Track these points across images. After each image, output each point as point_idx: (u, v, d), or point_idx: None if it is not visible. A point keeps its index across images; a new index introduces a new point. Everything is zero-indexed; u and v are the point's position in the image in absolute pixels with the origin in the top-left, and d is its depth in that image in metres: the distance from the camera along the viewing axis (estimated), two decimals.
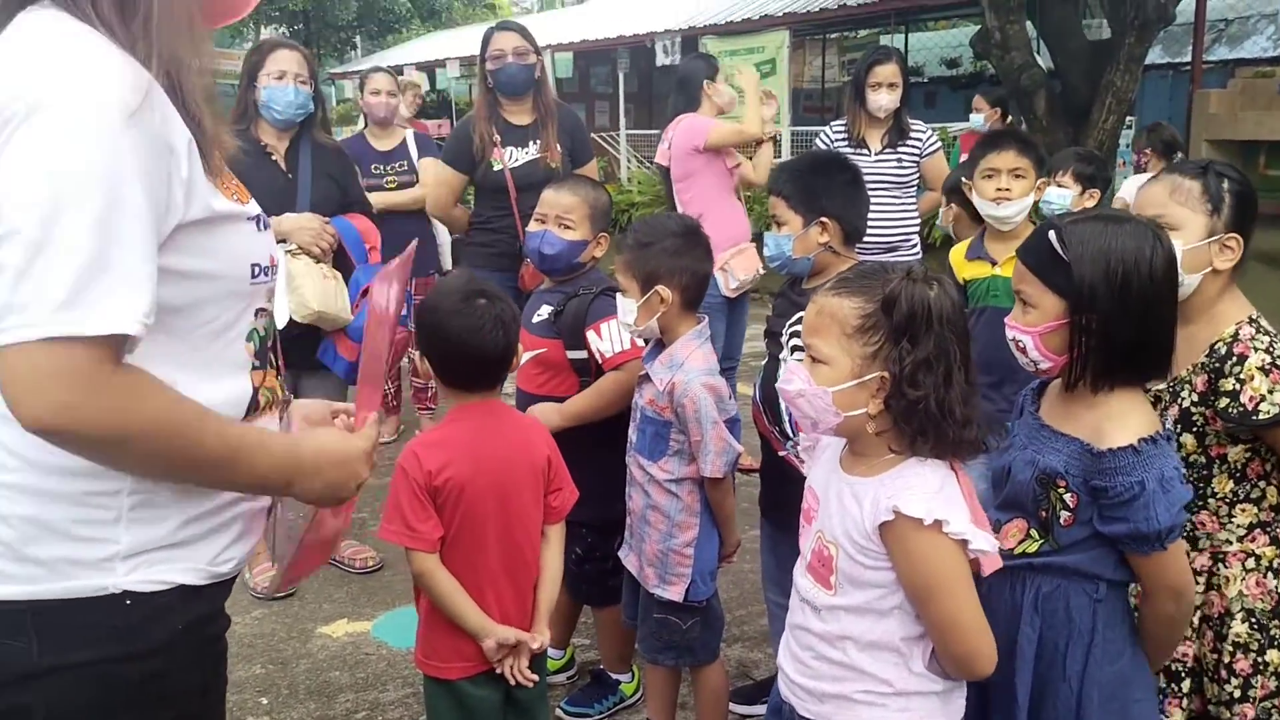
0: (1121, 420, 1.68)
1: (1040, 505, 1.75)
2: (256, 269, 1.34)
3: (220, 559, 1.34)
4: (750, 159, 4.92)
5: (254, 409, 1.36)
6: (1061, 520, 1.72)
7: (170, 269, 1.19)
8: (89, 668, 1.22)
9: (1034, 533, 1.77)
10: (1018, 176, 3.07)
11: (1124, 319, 1.67)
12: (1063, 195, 3.54)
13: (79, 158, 1.09)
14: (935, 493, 1.59)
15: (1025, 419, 1.87)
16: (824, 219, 2.50)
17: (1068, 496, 1.71)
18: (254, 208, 1.36)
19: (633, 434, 2.59)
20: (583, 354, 2.78)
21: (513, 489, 2.20)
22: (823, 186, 2.56)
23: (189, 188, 1.21)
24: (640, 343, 2.65)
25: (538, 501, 2.25)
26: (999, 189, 3.07)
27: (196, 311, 1.26)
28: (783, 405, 2.33)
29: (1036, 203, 3.17)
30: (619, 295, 2.55)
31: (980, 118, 7.49)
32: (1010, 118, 7.81)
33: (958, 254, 3.25)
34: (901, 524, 1.58)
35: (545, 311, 2.86)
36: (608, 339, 2.73)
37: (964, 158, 6.35)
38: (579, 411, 2.75)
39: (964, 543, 1.58)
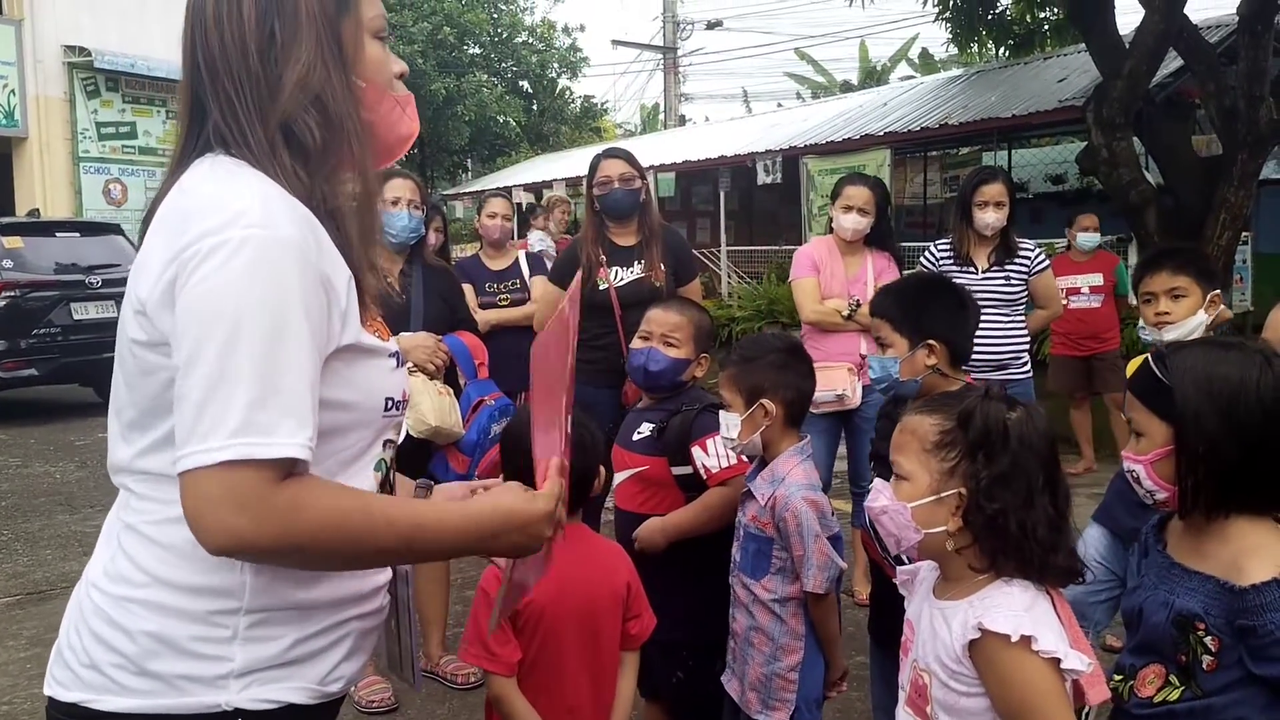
0: (1261, 553, 1.59)
1: (1179, 650, 1.64)
2: (390, 403, 1.39)
3: (330, 678, 1.34)
4: None
5: None
6: (1204, 665, 1.61)
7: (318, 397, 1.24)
8: None
9: (1173, 679, 1.66)
10: (1176, 296, 2.95)
11: (1231, 444, 1.61)
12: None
13: (253, 294, 1.16)
14: (1023, 610, 1.57)
15: (1153, 557, 1.78)
16: (931, 341, 2.50)
17: (1208, 640, 1.60)
18: (394, 345, 1.43)
19: (736, 553, 2.57)
20: (687, 470, 2.79)
21: (594, 614, 2.20)
22: (927, 309, 2.57)
23: (345, 320, 1.28)
24: (745, 458, 2.66)
25: (617, 628, 2.25)
26: (1158, 313, 2.97)
27: (333, 438, 1.30)
28: None
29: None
30: (722, 411, 2.57)
31: (1088, 236, 7.16)
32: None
33: (1130, 369, 3.14)
34: (989, 642, 1.55)
35: (647, 429, 2.88)
36: (713, 454, 2.73)
37: (1059, 281, 6.16)
38: (683, 526, 2.74)
39: (1056, 662, 1.53)
